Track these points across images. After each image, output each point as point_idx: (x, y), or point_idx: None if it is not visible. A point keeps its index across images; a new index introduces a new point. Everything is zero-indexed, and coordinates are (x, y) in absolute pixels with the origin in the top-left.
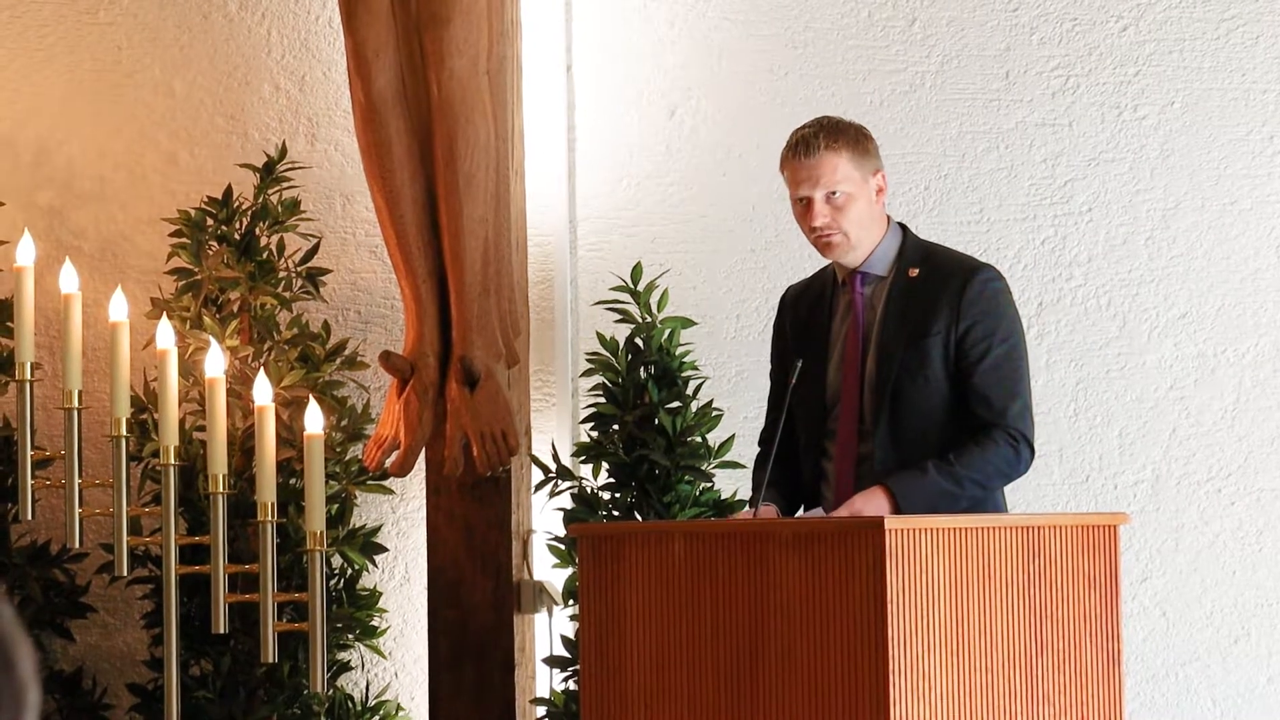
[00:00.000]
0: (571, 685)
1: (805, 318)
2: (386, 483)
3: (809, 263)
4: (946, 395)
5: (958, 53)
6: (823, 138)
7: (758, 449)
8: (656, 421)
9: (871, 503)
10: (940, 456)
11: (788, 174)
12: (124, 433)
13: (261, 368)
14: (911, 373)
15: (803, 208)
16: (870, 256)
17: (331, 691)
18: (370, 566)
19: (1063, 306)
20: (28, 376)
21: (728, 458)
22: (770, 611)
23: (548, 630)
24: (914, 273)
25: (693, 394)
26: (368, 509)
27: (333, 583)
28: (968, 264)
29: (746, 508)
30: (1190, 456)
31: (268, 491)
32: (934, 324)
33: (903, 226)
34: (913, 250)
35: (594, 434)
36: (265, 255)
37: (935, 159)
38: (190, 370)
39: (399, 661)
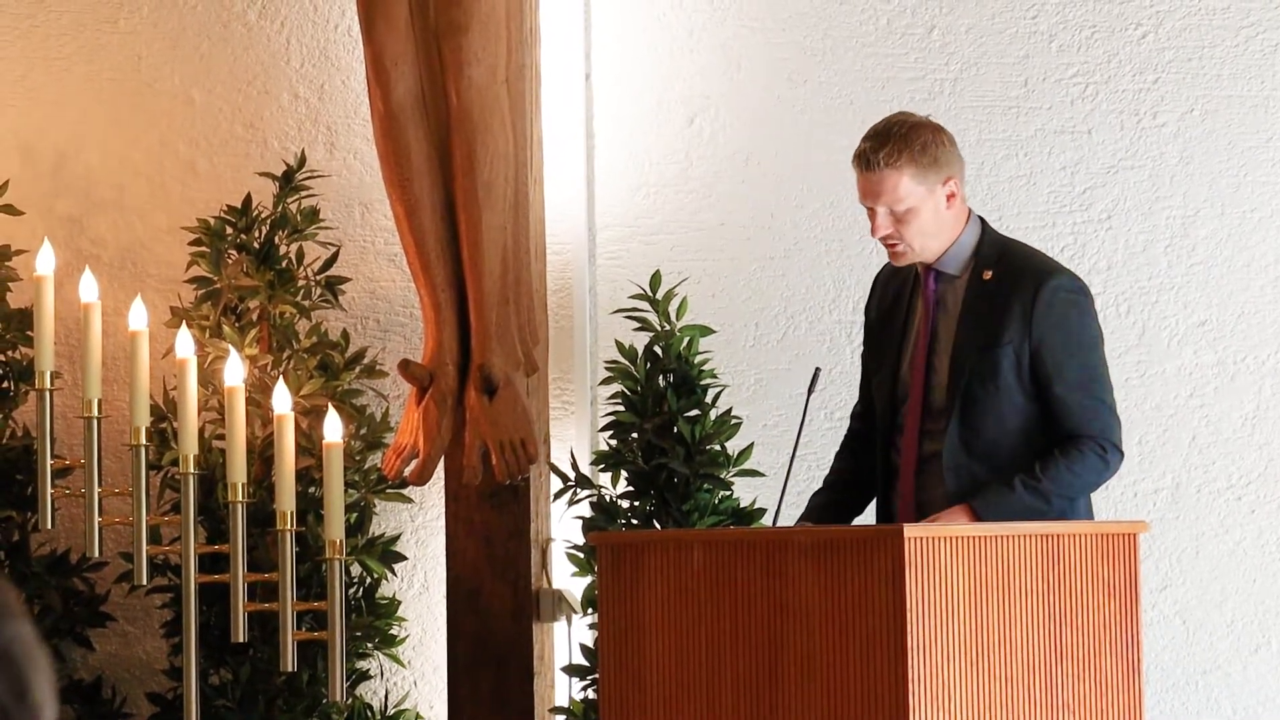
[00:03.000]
0: (590, 694)
1: (889, 305)
2: (405, 491)
3: (828, 270)
4: (1019, 404)
5: (976, 60)
6: (884, 155)
7: (848, 425)
8: (675, 430)
9: (953, 523)
10: (1024, 468)
11: (856, 176)
12: (143, 441)
13: (281, 376)
14: (983, 380)
15: (869, 214)
16: (945, 255)
17: (350, 700)
18: (389, 575)
19: None
20: (47, 385)
21: (747, 466)
22: (789, 620)
23: (567, 639)
24: (988, 275)
25: (712, 402)
26: (387, 517)
27: (352, 591)
28: (1042, 269)
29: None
30: (1210, 464)
31: (287, 500)
32: (1005, 333)
33: (982, 221)
34: (989, 248)
35: (613, 442)
36: (284, 264)
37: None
38: (209, 379)
39: (418, 670)
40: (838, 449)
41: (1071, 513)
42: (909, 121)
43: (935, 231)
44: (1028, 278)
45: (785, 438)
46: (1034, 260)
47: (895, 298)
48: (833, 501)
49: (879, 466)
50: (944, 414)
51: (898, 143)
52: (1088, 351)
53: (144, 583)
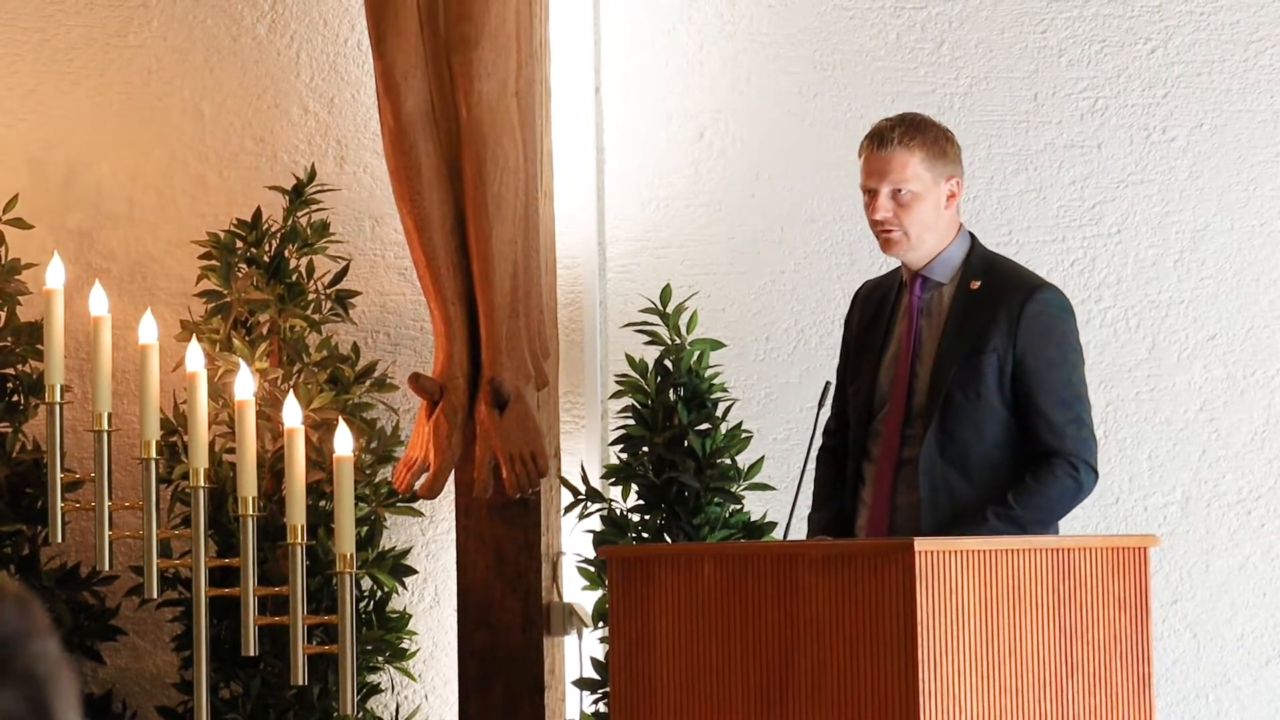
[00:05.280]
0: (601, 708)
1: (870, 316)
2: (416, 505)
3: (839, 284)
4: (998, 413)
5: (986, 75)
6: (899, 133)
7: (821, 439)
8: (686, 443)
9: None
10: (997, 484)
11: (861, 162)
12: (154, 455)
13: (291, 390)
14: (964, 387)
15: (868, 198)
16: (934, 261)
17: (361, 714)
18: (400, 589)
19: (1092, 328)
20: (57, 399)
21: (757, 479)
22: (800, 633)
23: (577, 652)
24: (975, 285)
25: (722, 416)
26: (397, 531)
27: (362, 605)
28: (1029, 282)
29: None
30: (1220, 478)
31: (297, 514)
32: (990, 341)
33: (972, 236)
34: (978, 261)
35: (623, 456)
36: (294, 277)
37: (964, 181)
38: (220, 392)
39: (429, 684)
40: (817, 463)
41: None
42: (924, 115)
43: (932, 225)
44: (1016, 289)
45: (795, 451)
46: (1022, 274)
47: (876, 310)
48: (833, 516)
49: (849, 473)
50: (923, 419)
51: (912, 127)
52: (1071, 368)
53: (154, 596)
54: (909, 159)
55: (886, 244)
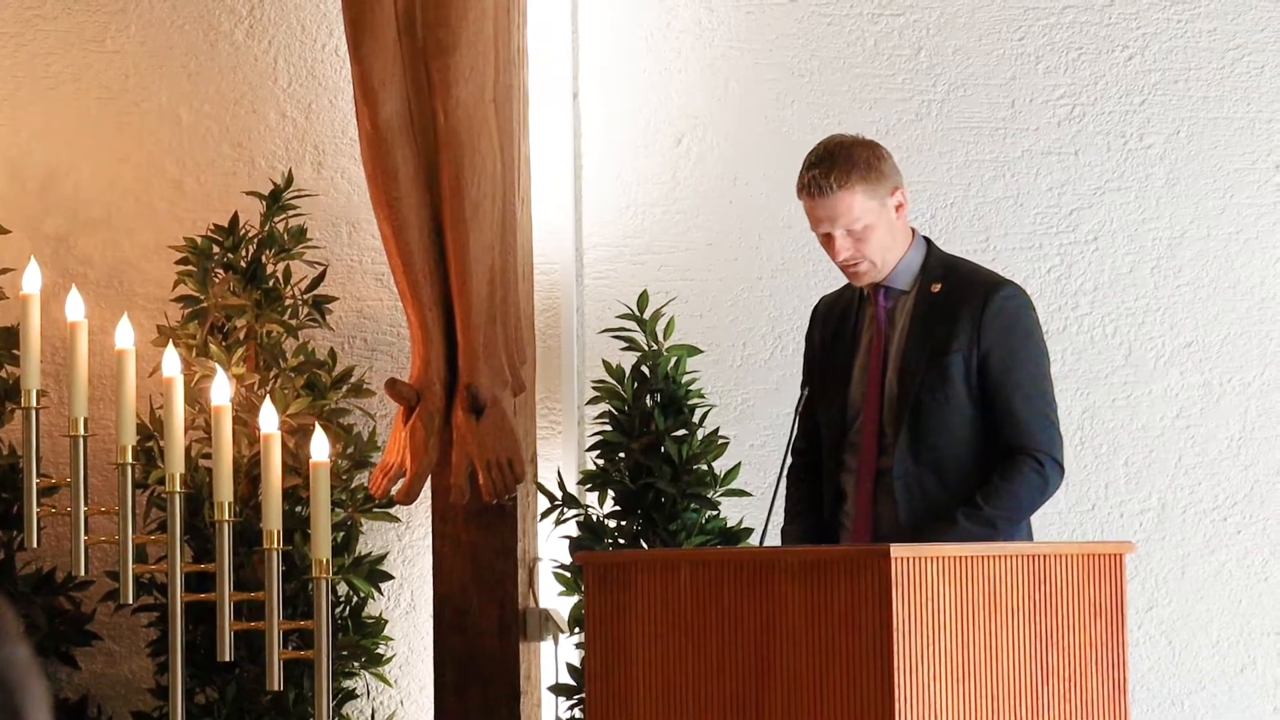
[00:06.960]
0: (577, 713)
1: (833, 330)
2: (392, 510)
3: (816, 290)
4: (967, 413)
5: (964, 81)
6: (834, 177)
7: (791, 458)
8: (663, 449)
9: None
10: (969, 483)
11: (804, 207)
12: (129, 460)
13: (267, 395)
14: (932, 390)
15: (824, 240)
16: (894, 271)
17: (336, 719)
18: (376, 594)
19: (1068, 335)
20: (33, 404)
21: (734, 486)
22: (776, 639)
23: (553, 658)
24: (936, 288)
25: (699, 422)
26: (373, 536)
27: (338, 610)
28: (989, 280)
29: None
30: (1196, 485)
31: (273, 519)
32: (954, 342)
33: (927, 240)
34: (936, 264)
35: (600, 462)
36: (271, 283)
37: (941, 187)
38: (196, 398)
39: (405, 689)
40: (787, 480)
41: (1016, 534)
42: (845, 142)
43: (891, 244)
44: (977, 288)
45: (772, 458)
46: (981, 273)
47: (839, 324)
48: (810, 528)
49: (827, 490)
50: (895, 425)
51: (844, 164)
52: (1035, 363)
53: (130, 601)
54: (852, 199)
55: (855, 277)
